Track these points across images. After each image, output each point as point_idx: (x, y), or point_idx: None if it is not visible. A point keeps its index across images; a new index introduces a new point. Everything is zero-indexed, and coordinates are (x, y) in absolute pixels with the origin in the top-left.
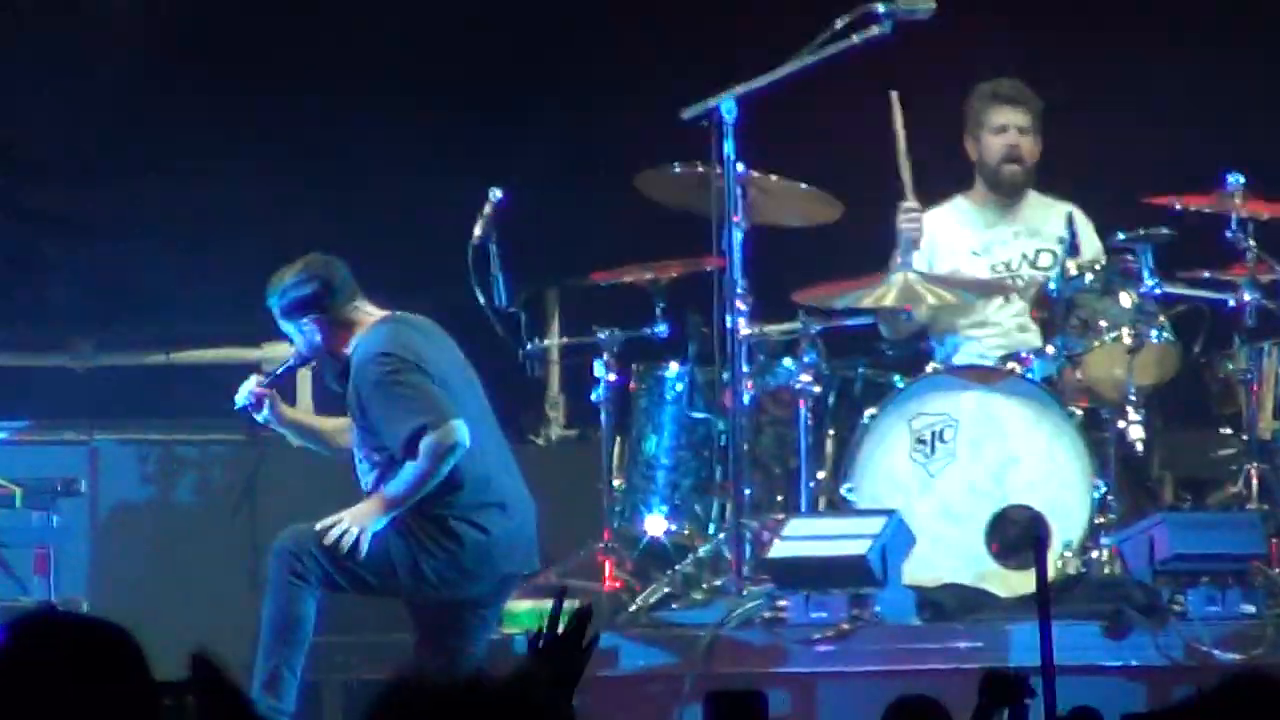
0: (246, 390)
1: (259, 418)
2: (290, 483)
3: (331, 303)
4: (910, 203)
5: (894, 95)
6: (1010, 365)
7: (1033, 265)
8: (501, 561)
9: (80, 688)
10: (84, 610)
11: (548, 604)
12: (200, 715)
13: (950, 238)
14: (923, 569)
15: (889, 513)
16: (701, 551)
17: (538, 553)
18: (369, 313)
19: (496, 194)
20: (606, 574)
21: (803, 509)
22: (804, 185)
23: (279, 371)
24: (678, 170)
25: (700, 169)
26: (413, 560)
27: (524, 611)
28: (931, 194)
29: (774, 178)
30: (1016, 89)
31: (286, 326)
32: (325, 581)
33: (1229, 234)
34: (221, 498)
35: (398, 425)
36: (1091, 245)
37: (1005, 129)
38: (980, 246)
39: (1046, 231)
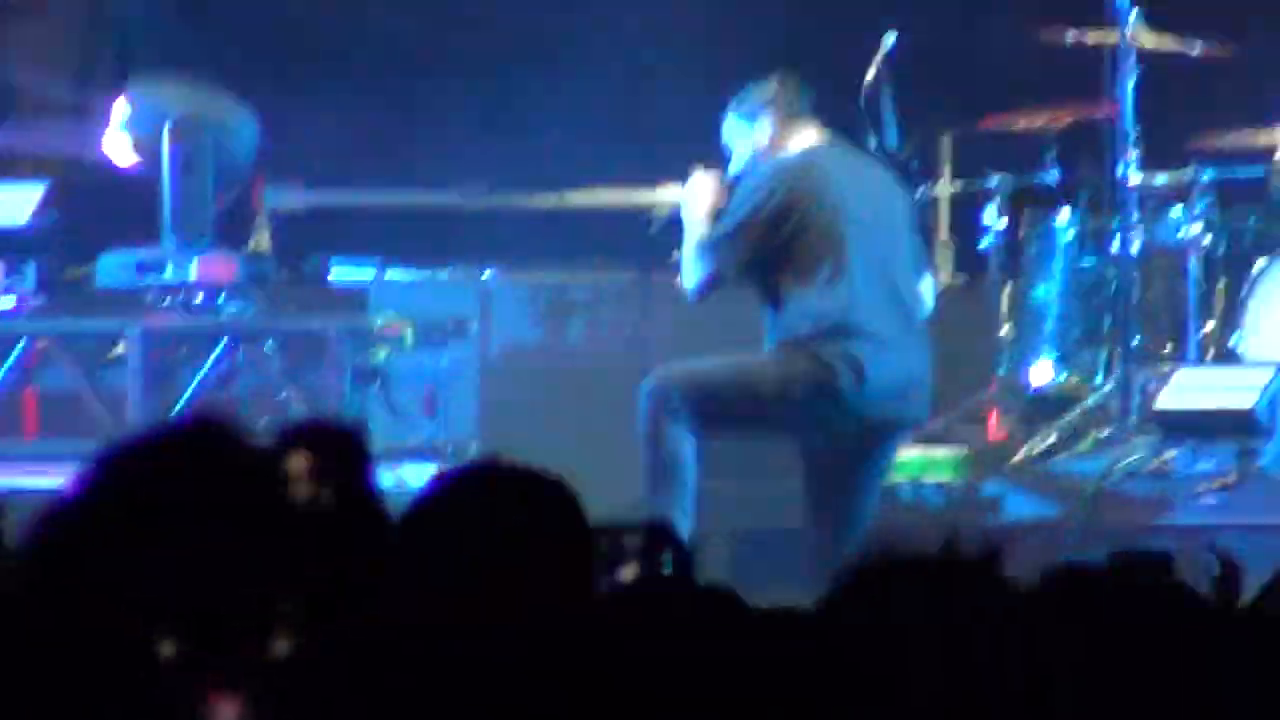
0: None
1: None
2: (680, 325)
3: (788, 107)
4: None
5: None
6: None
7: None
8: (882, 401)
9: (522, 535)
10: (473, 452)
11: (937, 451)
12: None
13: None
14: None
15: (1278, 365)
16: (1088, 401)
17: (928, 402)
18: (814, 135)
19: (890, 38)
20: (992, 423)
21: (1191, 359)
22: (1198, 44)
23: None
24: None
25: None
26: (781, 387)
27: (913, 460)
28: None
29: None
30: None
31: (738, 128)
32: (697, 417)
33: None
34: (612, 340)
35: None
36: None
37: None
38: None
39: None
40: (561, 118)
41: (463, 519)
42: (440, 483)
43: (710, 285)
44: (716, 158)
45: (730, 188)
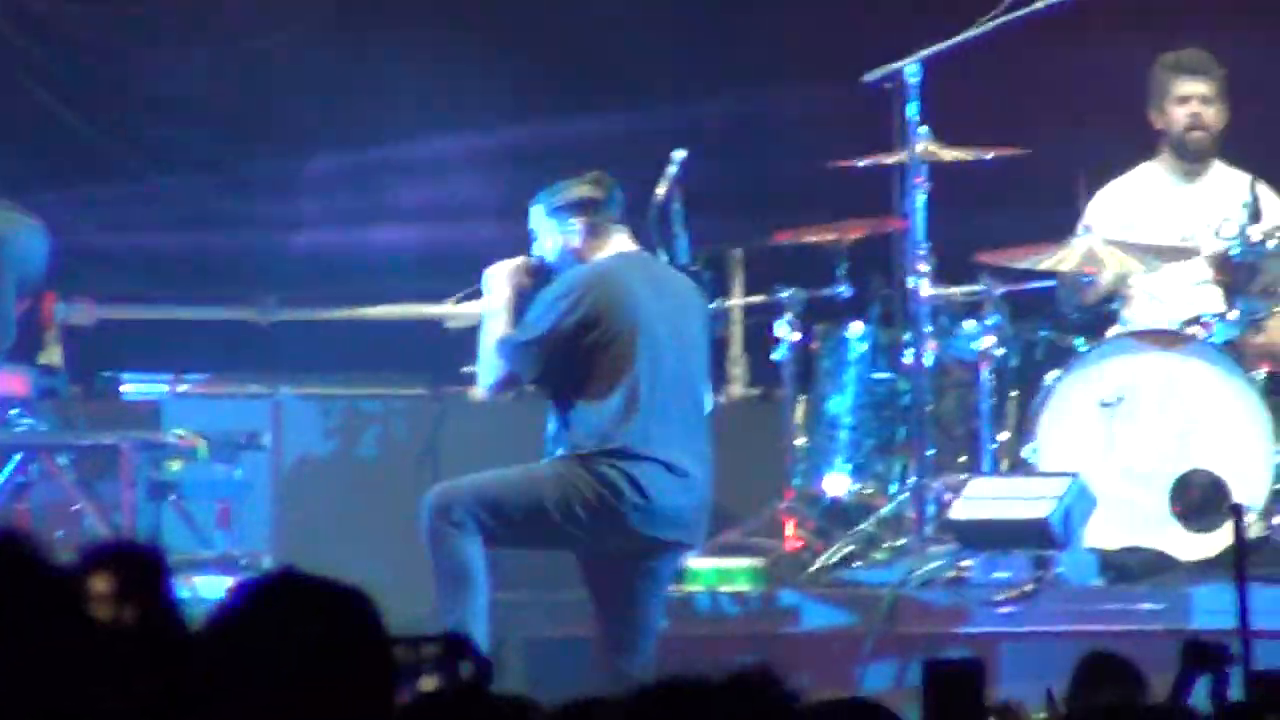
0: (499, 267)
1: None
2: (472, 438)
3: (601, 212)
4: None
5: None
6: (1192, 329)
7: (1215, 233)
8: (662, 524)
9: (321, 647)
10: (266, 565)
11: (733, 562)
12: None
13: (1134, 205)
14: (1105, 532)
15: (1071, 475)
16: (883, 511)
17: (706, 525)
18: (623, 242)
19: (679, 155)
20: (788, 533)
21: (985, 470)
22: (989, 155)
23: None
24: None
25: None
26: (564, 503)
27: (709, 570)
28: (1118, 164)
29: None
30: (1200, 59)
31: (547, 224)
32: (481, 530)
33: None
34: (404, 453)
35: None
36: (1274, 212)
37: (1188, 99)
38: (1163, 213)
39: (1230, 200)
40: (357, 230)
41: (260, 631)
42: (237, 595)
43: (505, 386)
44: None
45: (537, 271)
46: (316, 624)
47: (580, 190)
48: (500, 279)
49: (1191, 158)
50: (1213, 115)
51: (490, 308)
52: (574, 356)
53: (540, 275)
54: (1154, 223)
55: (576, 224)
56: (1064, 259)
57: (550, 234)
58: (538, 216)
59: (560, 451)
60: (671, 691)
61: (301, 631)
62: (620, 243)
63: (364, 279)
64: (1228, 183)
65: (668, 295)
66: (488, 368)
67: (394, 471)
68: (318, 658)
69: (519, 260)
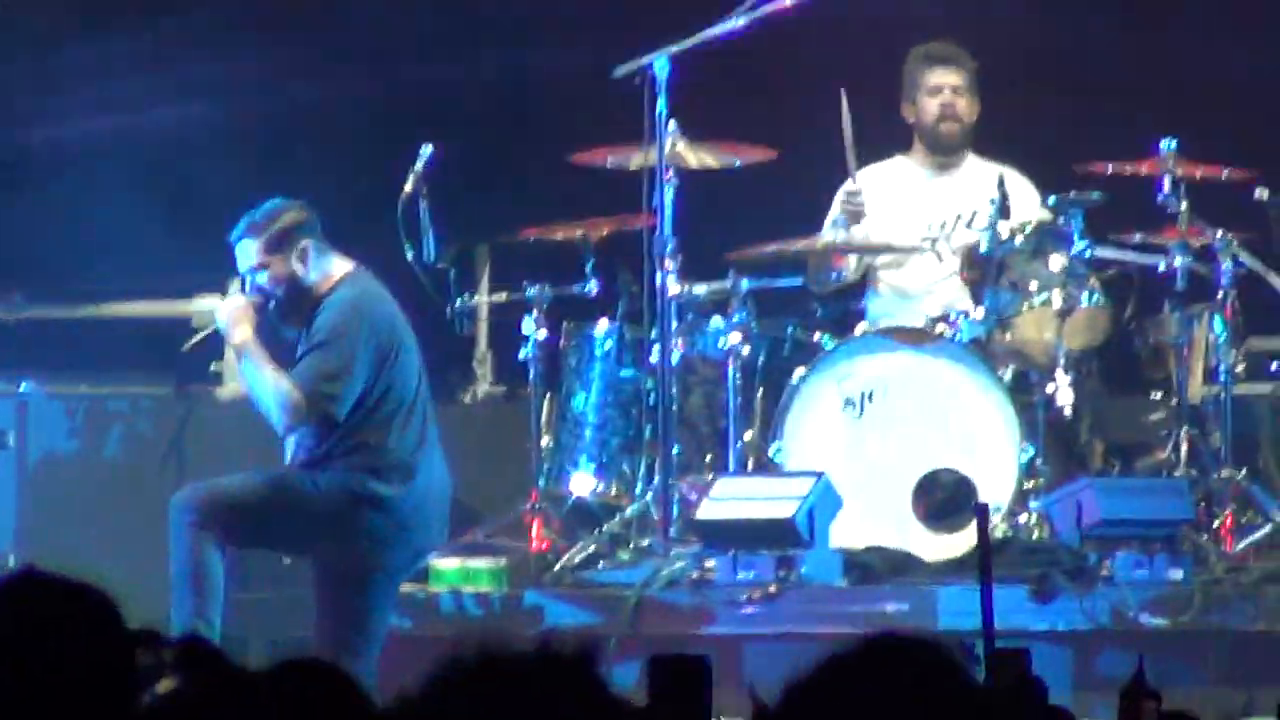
0: (230, 307)
1: (238, 335)
2: (218, 437)
3: (317, 233)
4: (852, 185)
5: (842, 92)
6: (939, 327)
7: (966, 226)
8: (411, 531)
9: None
10: (10, 564)
11: (477, 561)
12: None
13: (885, 197)
14: (850, 531)
15: (816, 474)
16: (629, 511)
17: (443, 534)
18: (344, 261)
19: (427, 150)
20: (533, 533)
21: (731, 469)
22: (736, 157)
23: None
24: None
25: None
26: (308, 506)
27: (453, 570)
28: (869, 155)
29: (706, 142)
30: (950, 50)
31: (268, 256)
32: (225, 531)
33: (1161, 197)
34: (150, 452)
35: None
36: (1026, 208)
37: (940, 89)
38: (914, 206)
39: (982, 194)
40: (99, 227)
41: (0, 629)
42: None
43: (319, 430)
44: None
45: (263, 305)
46: (56, 624)
47: (291, 216)
48: (238, 317)
49: (943, 149)
50: (964, 106)
51: (243, 348)
52: (366, 382)
53: (266, 308)
54: (904, 216)
55: (301, 249)
56: (816, 253)
57: (274, 265)
58: (252, 250)
59: (303, 456)
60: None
61: (41, 631)
62: (342, 263)
63: (108, 274)
64: (980, 176)
65: (394, 307)
66: (283, 410)
67: (139, 471)
68: (57, 658)
69: (246, 298)
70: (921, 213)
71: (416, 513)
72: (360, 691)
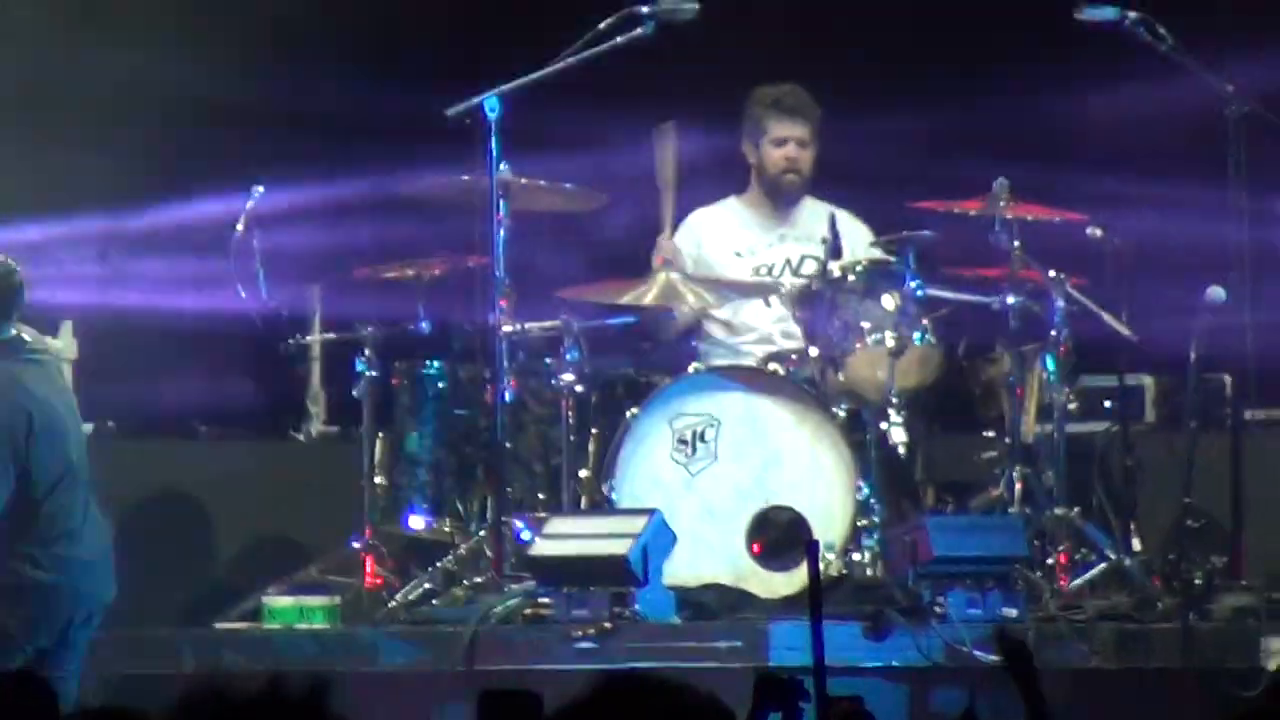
0: None
1: None
2: None
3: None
4: (666, 239)
5: (670, 126)
6: (772, 366)
7: (795, 271)
8: (81, 596)
9: None
10: None
11: (311, 599)
12: None
13: (718, 238)
14: (684, 569)
15: (650, 512)
16: (463, 549)
17: (113, 579)
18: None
19: (258, 190)
20: (368, 570)
21: (565, 507)
22: (566, 185)
23: None
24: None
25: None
26: None
27: (287, 608)
28: (704, 194)
29: (539, 181)
30: (799, 100)
31: None
32: None
33: (992, 236)
34: None
35: None
36: (858, 247)
37: (786, 141)
38: (746, 248)
39: (816, 236)
40: None
41: None
42: None
43: None
44: None
45: None
46: None
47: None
48: None
49: (782, 197)
50: (807, 159)
51: None
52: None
53: None
54: (739, 257)
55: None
56: (643, 294)
57: None
58: None
59: None
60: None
61: None
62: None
63: None
64: (814, 217)
65: (53, 378)
66: None
67: None
68: None
69: None
70: (756, 254)
71: (86, 574)
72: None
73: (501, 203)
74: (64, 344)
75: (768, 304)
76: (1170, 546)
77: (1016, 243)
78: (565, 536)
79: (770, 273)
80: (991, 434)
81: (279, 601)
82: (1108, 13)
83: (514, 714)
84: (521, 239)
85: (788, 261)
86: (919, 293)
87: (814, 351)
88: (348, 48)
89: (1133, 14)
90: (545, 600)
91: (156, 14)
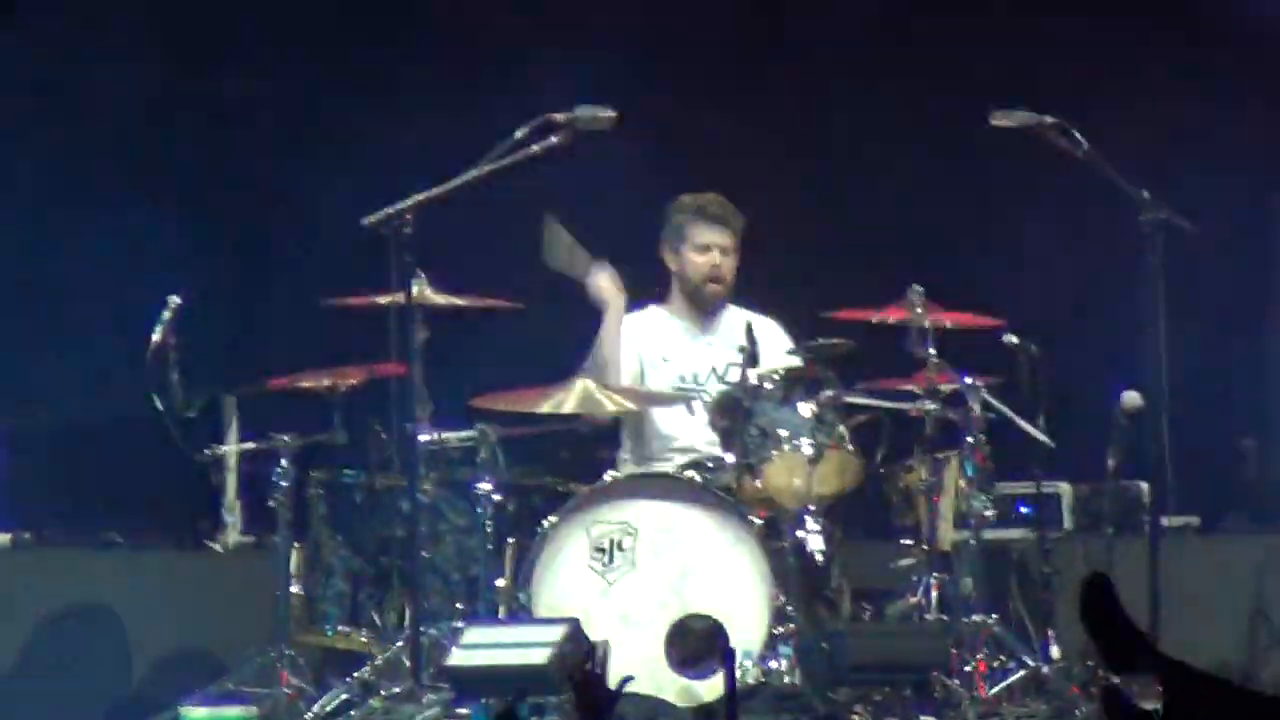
0: None
1: None
2: None
3: None
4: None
5: (552, 218)
6: (689, 474)
7: (720, 378)
8: None
9: None
10: None
11: (227, 710)
12: None
13: (641, 345)
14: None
15: (569, 620)
16: (380, 659)
17: None
18: None
19: (175, 300)
20: (283, 681)
21: (483, 616)
22: (483, 305)
23: None
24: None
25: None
26: None
27: (200, 718)
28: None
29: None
30: (723, 209)
31: None
32: None
33: (909, 344)
34: None
35: None
36: (775, 354)
37: (709, 249)
38: (670, 355)
39: (736, 342)
40: None
41: None
42: None
43: None
44: None
45: None
46: None
47: None
48: None
49: (704, 305)
50: (729, 267)
51: None
52: None
53: None
54: (665, 361)
55: None
56: (561, 401)
57: None
58: None
59: None
60: None
61: None
62: None
63: None
64: (735, 323)
65: None
66: None
67: None
68: None
69: None
70: (677, 363)
71: None
72: None
73: (416, 313)
74: None
75: (690, 411)
76: (1088, 654)
77: (932, 350)
78: (483, 646)
79: (696, 380)
80: (909, 541)
81: (195, 713)
82: (1022, 116)
83: None
84: (438, 345)
85: (713, 369)
86: (836, 400)
87: (731, 458)
88: (266, 154)
89: (1048, 118)
90: (463, 711)
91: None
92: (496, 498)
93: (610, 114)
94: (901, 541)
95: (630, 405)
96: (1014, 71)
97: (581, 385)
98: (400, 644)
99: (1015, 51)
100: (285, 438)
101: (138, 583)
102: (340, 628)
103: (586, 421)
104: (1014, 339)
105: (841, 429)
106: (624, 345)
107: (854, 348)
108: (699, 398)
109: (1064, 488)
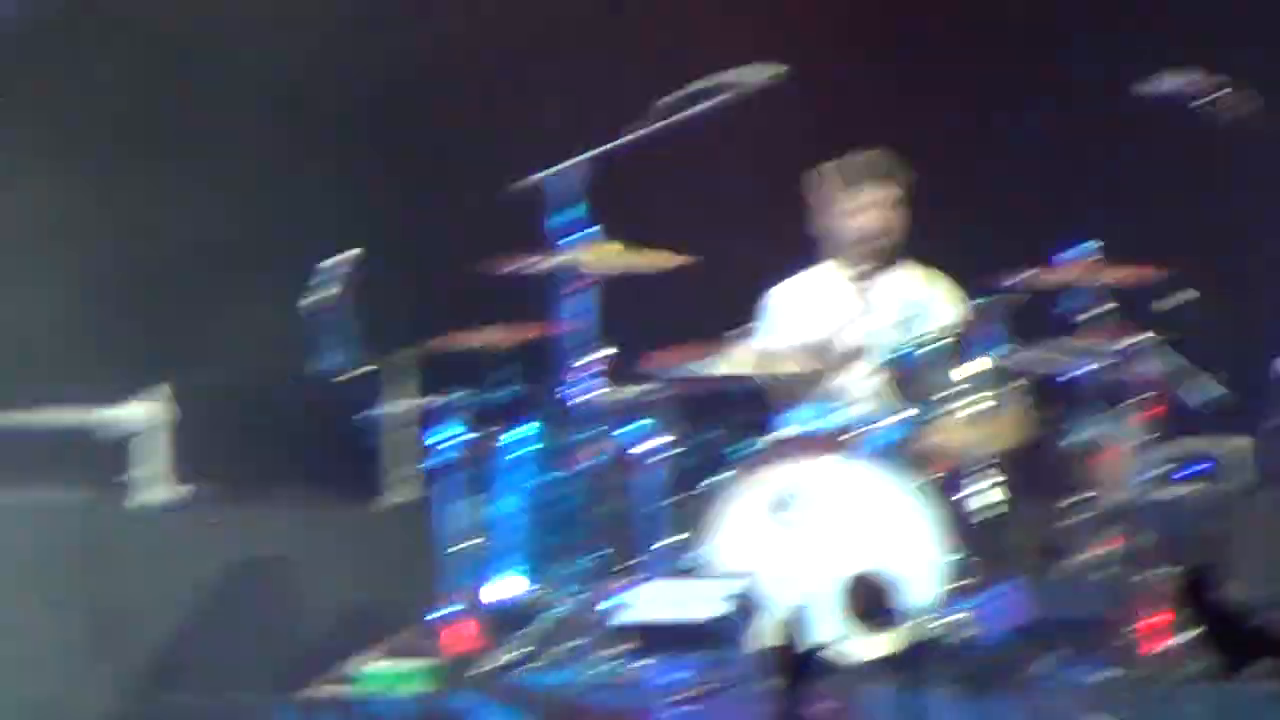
0: None
1: None
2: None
3: None
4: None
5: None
6: (861, 431)
7: (892, 335)
8: None
9: None
10: None
11: (407, 663)
12: None
13: (812, 304)
14: (777, 632)
15: (743, 575)
16: (557, 613)
17: None
18: None
19: (355, 253)
20: (460, 635)
21: (658, 571)
22: (656, 261)
23: None
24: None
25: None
26: None
27: (383, 672)
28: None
29: (626, 251)
30: (884, 164)
31: None
32: None
33: (1073, 301)
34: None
35: None
36: (949, 311)
37: (873, 205)
38: (842, 314)
39: (909, 300)
40: None
41: None
42: None
43: None
44: None
45: None
46: None
47: None
48: None
49: (873, 262)
50: (896, 219)
51: None
52: None
53: None
54: (829, 322)
55: None
56: (740, 361)
57: None
58: None
59: None
60: None
61: None
62: None
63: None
64: (903, 282)
65: None
66: None
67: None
68: None
69: None
70: (845, 320)
71: None
72: None
73: (585, 269)
74: (162, 407)
75: (859, 369)
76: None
77: (1106, 306)
78: (659, 601)
79: (867, 337)
80: (1085, 496)
81: (375, 666)
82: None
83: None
84: (611, 303)
85: (884, 327)
86: (1009, 357)
87: (902, 416)
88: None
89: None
90: (640, 665)
91: None
92: (671, 453)
93: (776, 69)
94: (1077, 497)
95: (804, 365)
96: (1185, 27)
97: (757, 345)
98: (578, 598)
99: (1190, 7)
100: (456, 395)
101: (311, 539)
102: (516, 583)
103: (760, 379)
104: (1192, 293)
105: (1016, 384)
106: (795, 307)
107: (1028, 303)
108: (871, 354)
109: (1241, 443)
